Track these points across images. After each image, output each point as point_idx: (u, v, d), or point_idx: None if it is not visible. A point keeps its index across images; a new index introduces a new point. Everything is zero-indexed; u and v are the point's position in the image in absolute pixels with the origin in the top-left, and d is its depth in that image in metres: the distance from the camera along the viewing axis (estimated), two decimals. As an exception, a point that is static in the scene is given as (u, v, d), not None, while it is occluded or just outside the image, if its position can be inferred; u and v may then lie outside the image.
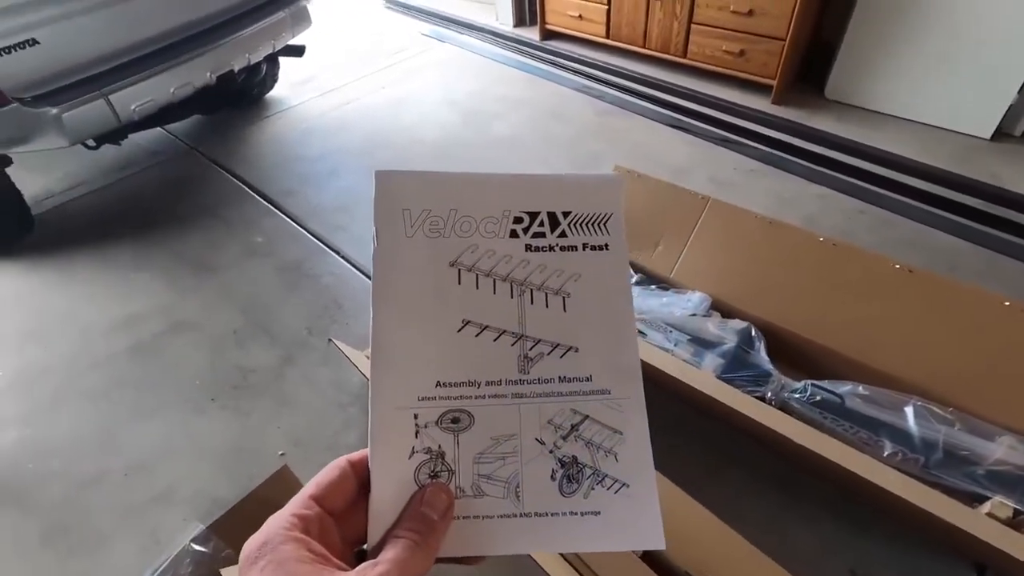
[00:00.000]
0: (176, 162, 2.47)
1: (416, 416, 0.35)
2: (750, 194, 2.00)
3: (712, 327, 1.37)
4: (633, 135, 2.43)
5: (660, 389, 1.40)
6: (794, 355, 1.33)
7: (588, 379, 0.36)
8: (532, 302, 0.37)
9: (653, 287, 1.49)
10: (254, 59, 2.06)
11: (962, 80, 2.14)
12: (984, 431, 1.12)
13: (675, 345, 1.35)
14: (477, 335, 0.36)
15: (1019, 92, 2.05)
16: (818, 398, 1.21)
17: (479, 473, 0.34)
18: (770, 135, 2.29)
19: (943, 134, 2.22)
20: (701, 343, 1.35)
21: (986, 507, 1.03)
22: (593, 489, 0.35)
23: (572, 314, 0.37)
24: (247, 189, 2.26)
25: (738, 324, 1.37)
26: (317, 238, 2.00)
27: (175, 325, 1.72)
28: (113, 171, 2.43)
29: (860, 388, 1.21)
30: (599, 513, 0.34)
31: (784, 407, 1.22)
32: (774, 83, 2.44)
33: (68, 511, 1.29)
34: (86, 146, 1.92)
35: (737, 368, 1.30)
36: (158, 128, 2.52)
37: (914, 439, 1.13)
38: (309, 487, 0.32)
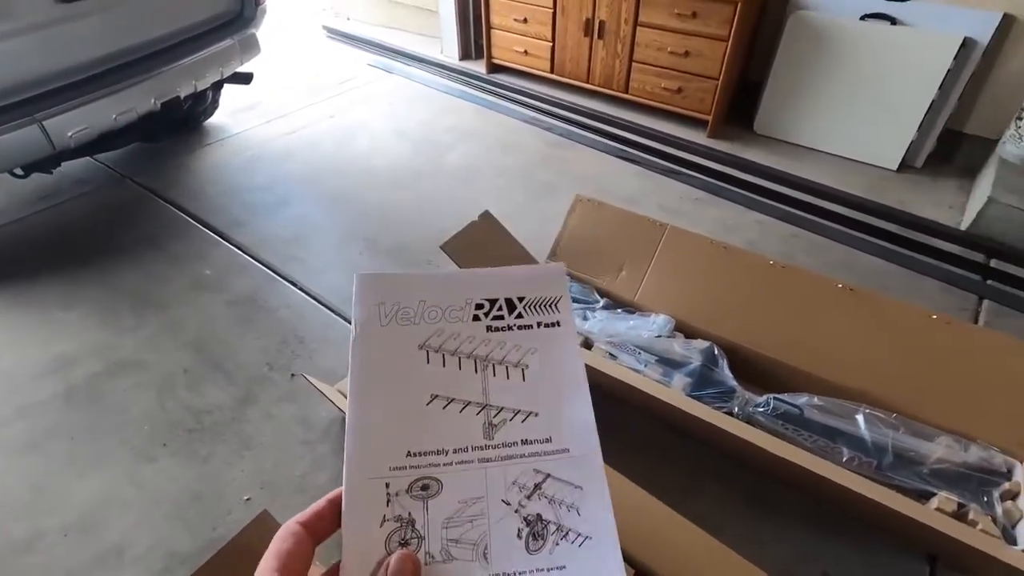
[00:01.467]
0: (106, 192, 2.31)
1: (388, 485, 0.36)
2: (697, 221, 2.13)
3: (678, 347, 1.43)
4: (583, 166, 2.53)
5: (634, 409, 1.45)
6: (753, 371, 1.42)
7: (548, 440, 0.39)
8: (495, 375, 0.40)
9: (619, 311, 1.55)
10: (201, 86, 1.99)
11: (870, 118, 2.40)
12: (924, 433, 1.24)
13: (645, 366, 1.40)
14: (444, 407, 0.39)
15: (918, 129, 2.33)
16: (781, 411, 1.29)
17: (448, 537, 0.36)
18: (709, 166, 2.45)
19: (857, 165, 2.47)
20: (669, 363, 1.41)
21: (934, 503, 1.13)
22: (558, 544, 0.36)
23: (531, 383, 0.41)
24: (190, 219, 2.14)
25: (701, 344, 1.44)
26: (270, 269, 1.93)
27: (115, 366, 1.59)
28: (30, 202, 2.24)
29: (816, 399, 1.30)
30: (564, 567, 0.36)
31: (750, 420, 1.29)
32: (709, 118, 2.63)
33: (-3, 581, 1.15)
34: (14, 175, 1.77)
35: (704, 386, 1.36)
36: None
37: (867, 444, 1.22)
38: (270, 560, 0.33)
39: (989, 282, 1.88)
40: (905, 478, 1.17)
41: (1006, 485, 1.14)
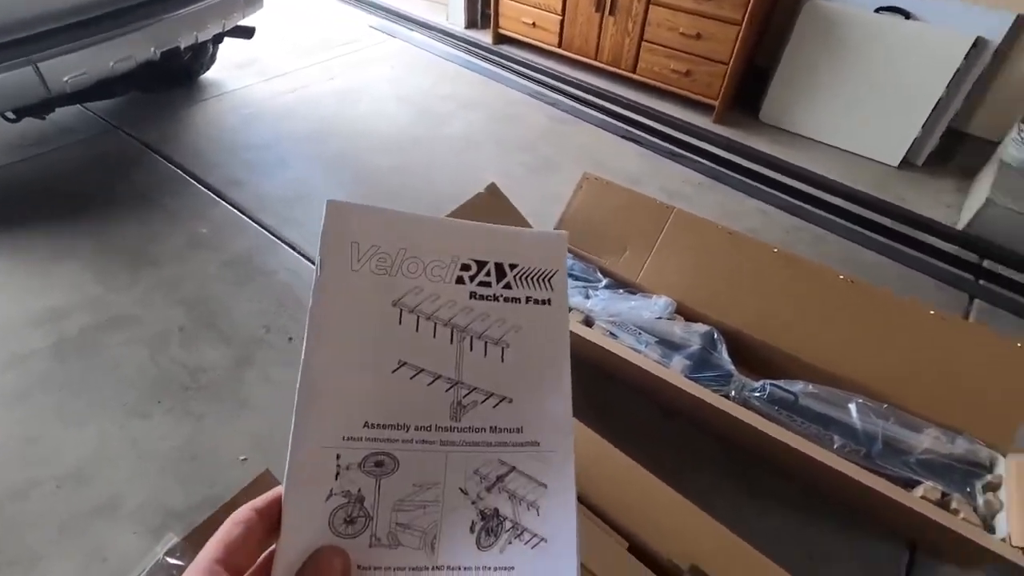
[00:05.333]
0: (98, 142, 2.25)
1: (339, 456, 0.33)
2: (700, 206, 2.13)
3: (678, 330, 1.44)
4: (586, 143, 2.51)
5: (631, 389, 1.46)
6: (751, 357, 1.44)
7: (519, 430, 0.36)
8: (471, 349, 0.37)
9: (621, 291, 1.55)
10: (202, 37, 1.92)
11: (876, 113, 2.40)
12: (913, 424, 1.27)
13: (645, 346, 1.41)
14: (412, 377, 0.35)
15: (922, 127, 2.34)
16: (776, 396, 1.31)
17: (397, 521, 0.33)
18: (714, 152, 2.45)
19: (860, 160, 2.48)
20: (669, 345, 1.42)
21: (919, 491, 1.16)
22: (510, 543, 0.34)
23: (509, 365, 0.37)
24: (185, 176, 2.09)
25: (701, 328, 1.45)
26: (269, 231, 1.89)
27: (109, 321, 1.56)
28: (18, 148, 2.17)
29: (811, 387, 1.32)
30: (512, 569, 0.33)
31: (745, 404, 1.31)
32: (716, 103, 2.61)
33: (-11, 529, 1.14)
34: (5, 118, 1.70)
35: (702, 369, 1.38)
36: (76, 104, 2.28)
37: (858, 432, 1.25)
38: (212, 548, 0.30)
39: (981, 282, 1.92)
40: (893, 466, 1.20)
41: (988, 477, 1.18)
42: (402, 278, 0.36)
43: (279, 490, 0.33)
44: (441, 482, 0.34)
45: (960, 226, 2.13)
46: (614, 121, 2.63)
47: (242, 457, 1.28)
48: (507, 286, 0.38)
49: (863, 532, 1.24)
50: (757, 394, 1.32)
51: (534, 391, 0.37)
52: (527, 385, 0.37)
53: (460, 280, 0.37)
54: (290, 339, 1.54)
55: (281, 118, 2.49)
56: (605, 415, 1.39)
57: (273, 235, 1.88)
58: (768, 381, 1.34)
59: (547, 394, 0.37)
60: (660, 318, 1.47)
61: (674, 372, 1.33)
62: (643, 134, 2.55)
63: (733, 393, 1.33)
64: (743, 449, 1.36)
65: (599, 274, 1.59)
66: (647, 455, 1.12)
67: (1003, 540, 1.06)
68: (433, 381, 0.36)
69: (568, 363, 0.38)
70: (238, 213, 1.95)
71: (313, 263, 1.77)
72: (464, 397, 0.36)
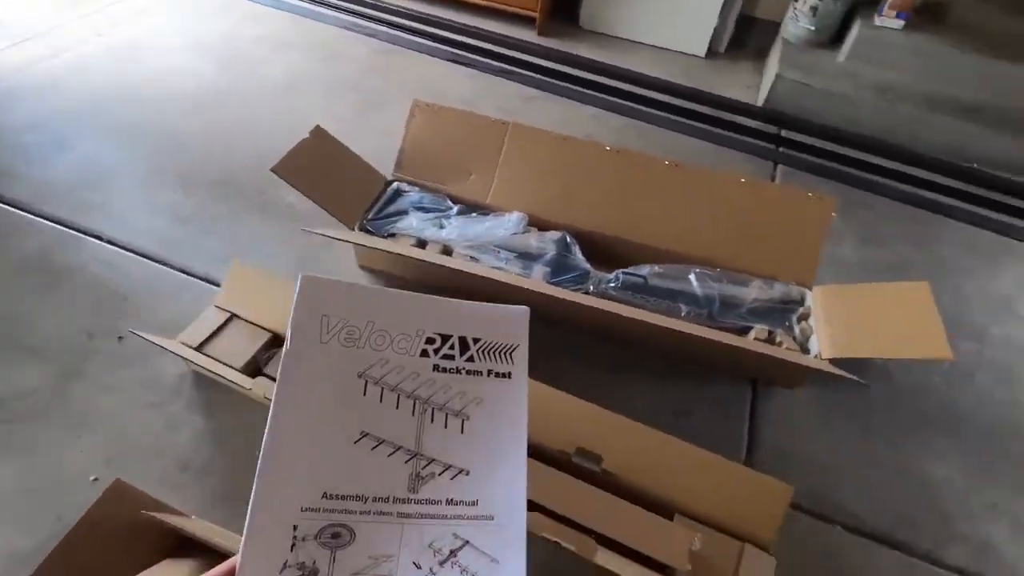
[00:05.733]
0: None
1: (296, 528, 0.34)
2: (535, 119, 2.14)
3: (533, 241, 1.49)
4: (415, 72, 2.40)
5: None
6: (603, 252, 1.52)
7: (474, 503, 0.38)
8: (432, 421, 0.38)
9: (474, 214, 1.55)
10: None
11: (678, 7, 2.55)
12: (741, 280, 1.45)
13: (506, 263, 1.44)
14: (373, 448, 0.37)
15: (719, 16, 2.53)
16: (629, 283, 1.42)
17: None
18: (541, 64, 2.46)
19: (673, 55, 2.65)
20: (527, 257, 1.47)
21: (752, 334, 1.35)
22: None
23: (469, 437, 0.39)
24: (-73, 177, 1.69)
25: (554, 235, 1.51)
26: (63, 224, 1.61)
27: None
28: None
29: (656, 268, 1.45)
30: None
31: (604, 296, 1.40)
32: (536, 15, 2.60)
33: None
34: None
35: (561, 272, 1.44)
36: None
37: (699, 298, 1.40)
38: None
39: (781, 149, 2.19)
40: (730, 320, 1.37)
41: (800, 310, 1.40)
42: (369, 350, 0.38)
43: (233, 561, 0.32)
44: (395, 555, 0.35)
45: (759, 103, 2.38)
46: (439, 45, 2.53)
47: (92, 477, 1.14)
48: (470, 359, 0.40)
49: (714, 381, 1.43)
50: (612, 284, 1.42)
51: (491, 463, 0.38)
52: (485, 457, 0.38)
53: (425, 353, 0.39)
54: (120, 339, 1.35)
55: (46, 89, 2.06)
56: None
57: (70, 228, 1.60)
58: (620, 271, 1.45)
59: (503, 467, 0.38)
60: (515, 233, 1.50)
61: (536, 280, 1.38)
62: (470, 55, 2.49)
63: (591, 288, 1.42)
64: (611, 337, 1.47)
65: (449, 202, 1.57)
66: (533, 365, 1.17)
67: (816, 356, 1.27)
68: (393, 452, 0.37)
69: (525, 438, 0.40)
70: (15, 211, 1.62)
71: (127, 249, 1.56)
72: (423, 469, 0.37)
